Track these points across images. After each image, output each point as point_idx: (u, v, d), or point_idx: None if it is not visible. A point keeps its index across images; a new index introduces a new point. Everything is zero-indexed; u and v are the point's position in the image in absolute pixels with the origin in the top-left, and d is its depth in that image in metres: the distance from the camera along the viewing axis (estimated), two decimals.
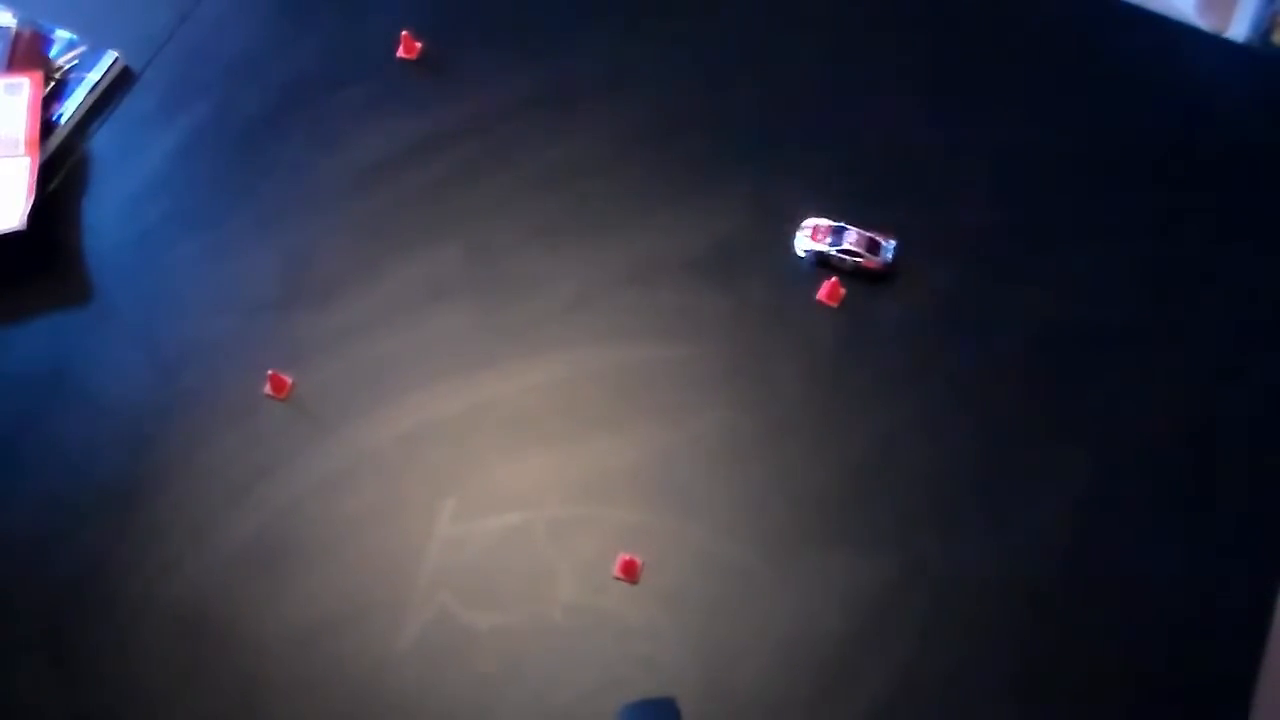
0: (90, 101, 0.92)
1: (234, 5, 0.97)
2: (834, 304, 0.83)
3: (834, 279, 0.83)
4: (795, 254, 0.84)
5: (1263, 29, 1.23)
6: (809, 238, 0.84)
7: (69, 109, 0.91)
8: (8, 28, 0.94)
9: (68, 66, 0.93)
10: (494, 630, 0.72)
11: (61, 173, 0.89)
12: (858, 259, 0.83)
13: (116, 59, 0.94)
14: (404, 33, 0.93)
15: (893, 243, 0.84)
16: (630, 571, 0.74)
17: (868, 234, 0.83)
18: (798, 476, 0.77)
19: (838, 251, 0.83)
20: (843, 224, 0.84)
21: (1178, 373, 0.81)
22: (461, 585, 0.74)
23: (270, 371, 0.79)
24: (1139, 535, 0.75)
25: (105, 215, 0.88)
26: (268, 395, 0.80)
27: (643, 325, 0.83)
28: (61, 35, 0.94)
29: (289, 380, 0.80)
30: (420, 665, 0.71)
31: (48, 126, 0.90)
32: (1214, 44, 1.00)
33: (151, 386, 0.81)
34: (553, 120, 0.91)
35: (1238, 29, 1.24)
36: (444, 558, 0.75)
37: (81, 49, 0.94)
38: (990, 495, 0.77)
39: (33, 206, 0.84)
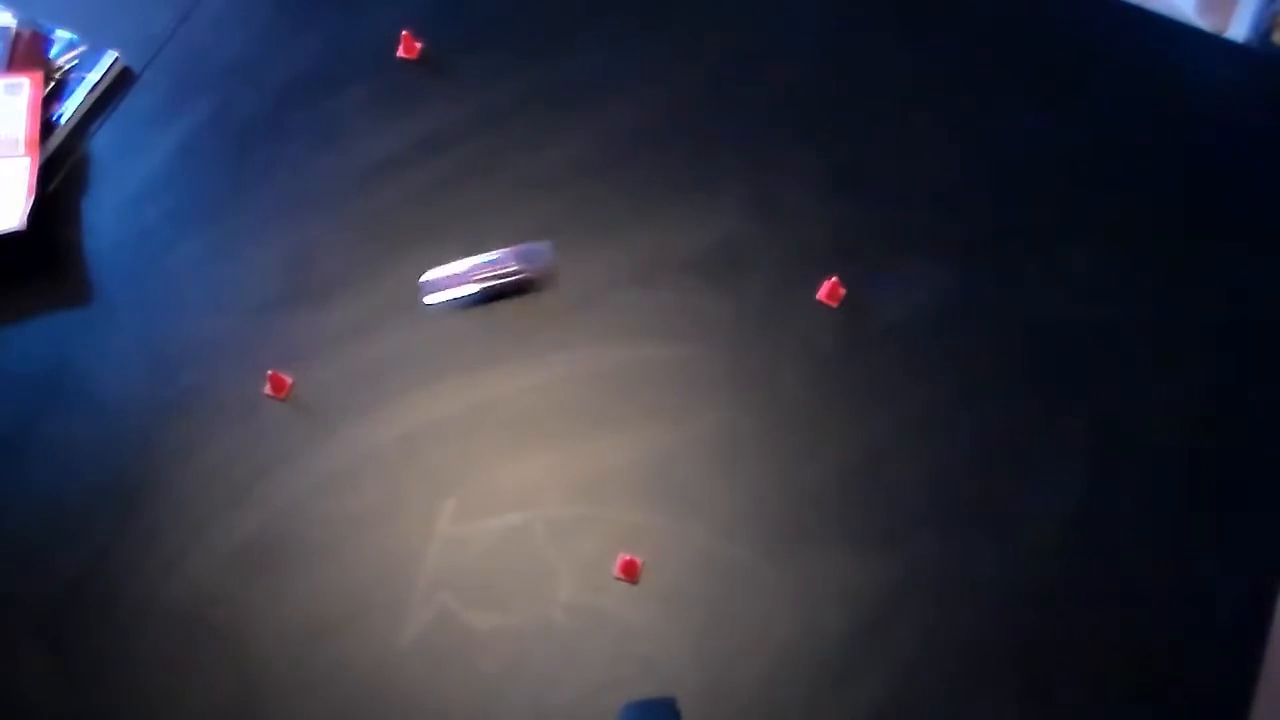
0: (90, 101, 0.92)
1: (234, 5, 0.97)
2: (834, 304, 0.83)
3: (834, 278, 0.83)
4: (428, 309, 0.80)
5: (1263, 29, 1.23)
6: (447, 286, 0.79)
7: (69, 109, 0.91)
8: (8, 28, 0.94)
9: (68, 66, 0.93)
10: (494, 630, 0.72)
11: (61, 173, 0.89)
12: (511, 277, 0.79)
13: (116, 59, 0.94)
14: (404, 33, 0.93)
15: (543, 244, 0.80)
16: (630, 571, 0.74)
17: (507, 250, 0.79)
18: (798, 477, 0.77)
19: (491, 281, 0.79)
20: (476, 258, 0.80)
21: (1177, 373, 0.81)
22: (461, 585, 0.74)
23: (270, 371, 0.79)
24: (1139, 536, 0.75)
25: (105, 215, 0.88)
26: (268, 395, 0.80)
27: (643, 325, 0.83)
28: (61, 35, 0.94)
29: (289, 380, 0.80)
30: (420, 665, 0.71)
31: (48, 126, 0.90)
32: (1214, 44, 1.00)
33: (151, 386, 0.81)
34: (553, 120, 0.91)
35: (1238, 29, 1.24)
36: (444, 558, 0.75)
37: (81, 49, 0.94)
38: (990, 495, 0.77)
39: (33, 206, 0.84)
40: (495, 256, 0.78)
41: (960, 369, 0.81)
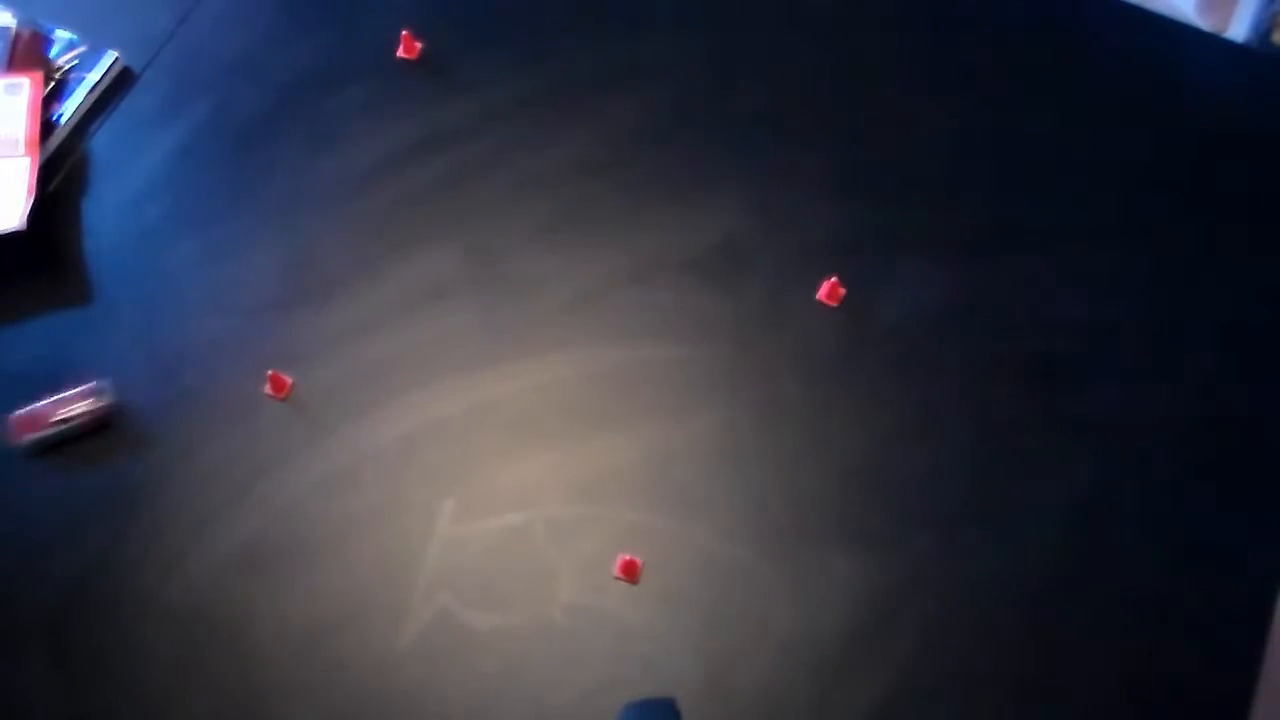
0: (90, 101, 0.92)
1: (234, 5, 0.97)
2: (834, 304, 0.83)
3: (834, 279, 0.83)
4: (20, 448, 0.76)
5: (1263, 29, 1.23)
6: (14, 433, 0.75)
7: (69, 109, 0.91)
8: (8, 28, 0.94)
9: (68, 66, 0.93)
10: (494, 630, 0.72)
11: (61, 173, 0.89)
12: (76, 419, 0.76)
13: (116, 59, 0.94)
14: (404, 33, 0.93)
15: (95, 384, 0.77)
16: (630, 571, 0.74)
17: (63, 395, 0.76)
18: (798, 476, 0.77)
19: (55, 429, 0.75)
20: (32, 404, 0.77)
21: (1178, 373, 0.81)
22: (461, 585, 0.74)
23: (270, 371, 0.79)
24: (1139, 536, 0.75)
25: (105, 215, 0.88)
26: (268, 395, 0.80)
27: (643, 325, 0.83)
28: (61, 35, 0.94)
29: (289, 380, 0.80)
30: (420, 665, 0.71)
31: (48, 126, 0.90)
32: (1214, 44, 1.00)
33: (151, 386, 0.81)
34: (553, 120, 0.91)
35: (1238, 29, 1.24)
36: (444, 558, 0.75)
37: (81, 49, 0.94)
38: (990, 495, 0.77)
39: (33, 206, 0.84)
40: (51, 404, 0.75)
41: (960, 369, 0.81)
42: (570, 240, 0.86)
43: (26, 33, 0.94)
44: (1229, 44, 1.08)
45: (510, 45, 0.94)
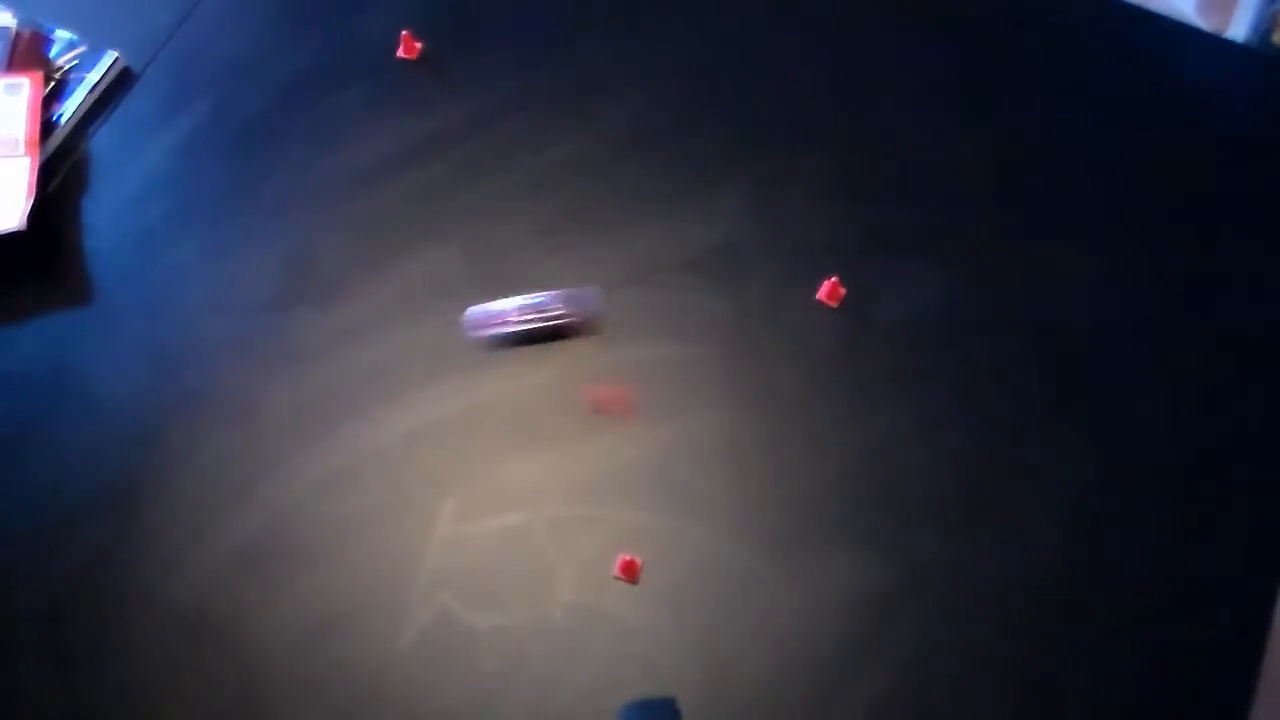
0: (90, 101, 0.92)
1: (234, 5, 0.97)
2: (834, 304, 0.83)
3: (834, 279, 0.83)
4: (471, 342, 0.78)
5: (1263, 29, 1.23)
6: (491, 324, 0.77)
7: (69, 109, 0.91)
8: (8, 28, 0.94)
9: (68, 66, 0.93)
10: (494, 630, 0.72)
11: (61, 173, 0.89)
12: (555, 320, 0.77)
13: (116, 59, 0.94)
14: (404, 33, 0.93)
15: (591, 290, 0.78)
16: (630, 571, 0.74)
17: (555, 293, 0.78)
18: (798, 476, 0.77)
19: (535, 323, 0.77)
20: (523, 297, 0.78)
21: (1178, 373, 0.81)
22: (461, 585, 0.74)
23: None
24: (1139, 535, 0.75)
25: (105, 215, 0.88)
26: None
27: (643, 325, 0.83)
28: (61, 35, 0.94)
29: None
30: (420, 665, 0.71)
31: (48, 126, 0.90)
32: (1214, 44, 1.00)
33: (151, 386, 0.81)
34: (553, 120, 0.91)
35: (1238, 29, 1.25)
36: (444, 558, 0.75)
37: (81, 49, 0.94)
38: (990, 495, 0.77)
39: (33, 206, 0.84)
40: (542, 298, 0.77)
41: (960, 369, 0.81)
42: (570, 240, 0.86)
43: (26, 33, 0.94)
44: (1229, 44, 1.08)
45: (510, 45, 0.94)
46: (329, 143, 0.90)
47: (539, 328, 0.77)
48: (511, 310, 0.76)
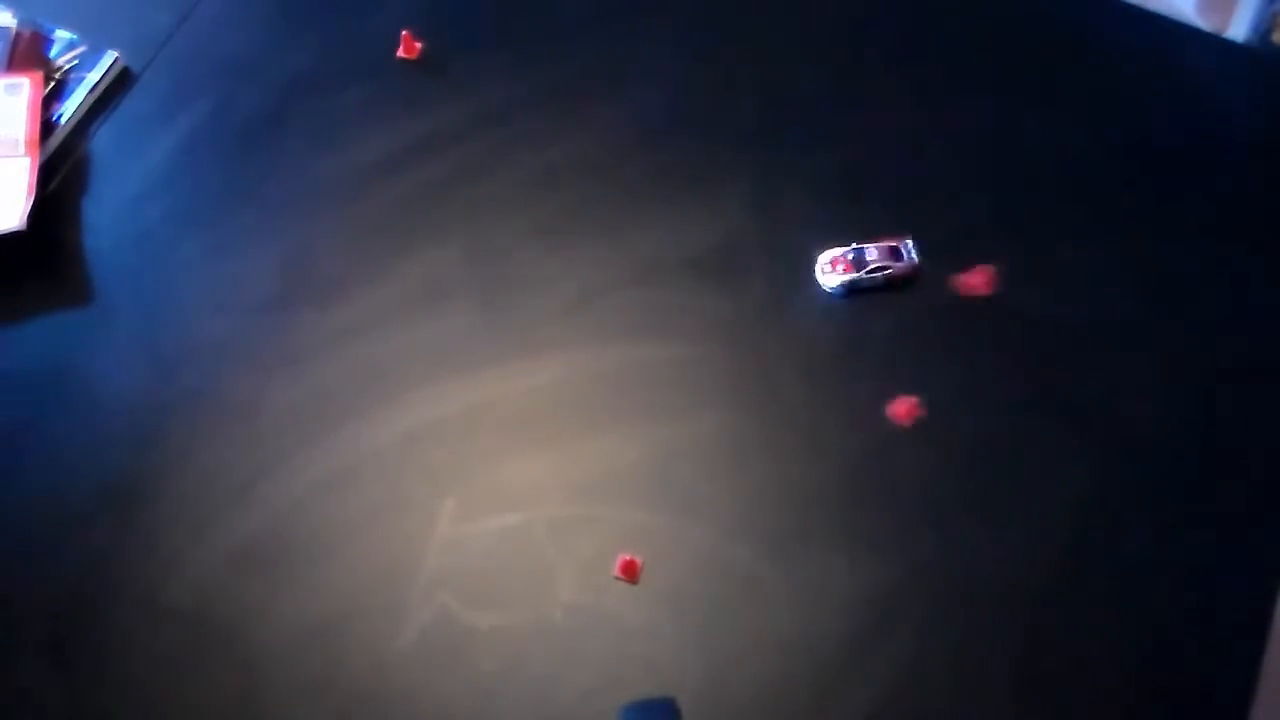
0: (90, 101, 0.92)
1: (234, 5, 0.97)
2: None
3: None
4: (822, 290, 0.83)
5: (1263, 29, 1.23)
6: (832, 271, 0.82)
7: (69, 109, 0.91)
8: (8, 28, 0.94)
9: (68, 66, 0.93)
10: (494, 630, 0.72)
11: (61, 173, 0.89)
12: (887, 271, 0.82)
13: (116, 59, 0.94)
14: (404, 33, 0.93)
15: (909, 241, 0.83)
16: (630, 571, 0.74)
17: (884, 243, 0.83)
18: (798, 476, 0.77)
19: (867, 274, 0.82)
20: (855, 245, 0.83)
21: (1178, 372, 0.81)
22: (461, 585, 0.74)
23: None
24: (1139, 535, 0.75)
25: (105, 215, 0.88)
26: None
27: (643, 325, 0.83)
28: (61, 35, 0.94)
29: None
30: (420, 665, 0.71)
31: (48, 126, 0.90)
32: (1214, 44, 1.00)
33: (151, 386, 0.81)
34: (553, 120, 0.91)
35: (1238, 29, 1.24)
36: (444, 558, 0.75)
37: (81, 49, 0.94)
38: (990, 495, 0.77)
39: (33, 206, 0.84)
40: (874, 252, 0.82)
41: (961, 369, 0.81)
42: (570, 240, 0.86)
43: (26, 33, 0.94)
44: (1229, 44, 1.07)
45: (510, 46, 0.94)
46: (329, 143, 0.90)
47: (878, 278, 0.82)
48: (862, 255, 0.82)
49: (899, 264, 0.82)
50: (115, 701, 0.71)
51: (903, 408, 0.78)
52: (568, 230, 0.86)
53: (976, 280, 0.83)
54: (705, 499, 0.76)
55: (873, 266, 0.82)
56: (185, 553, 0.75)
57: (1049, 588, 0.74)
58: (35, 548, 0.75)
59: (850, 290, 0.83)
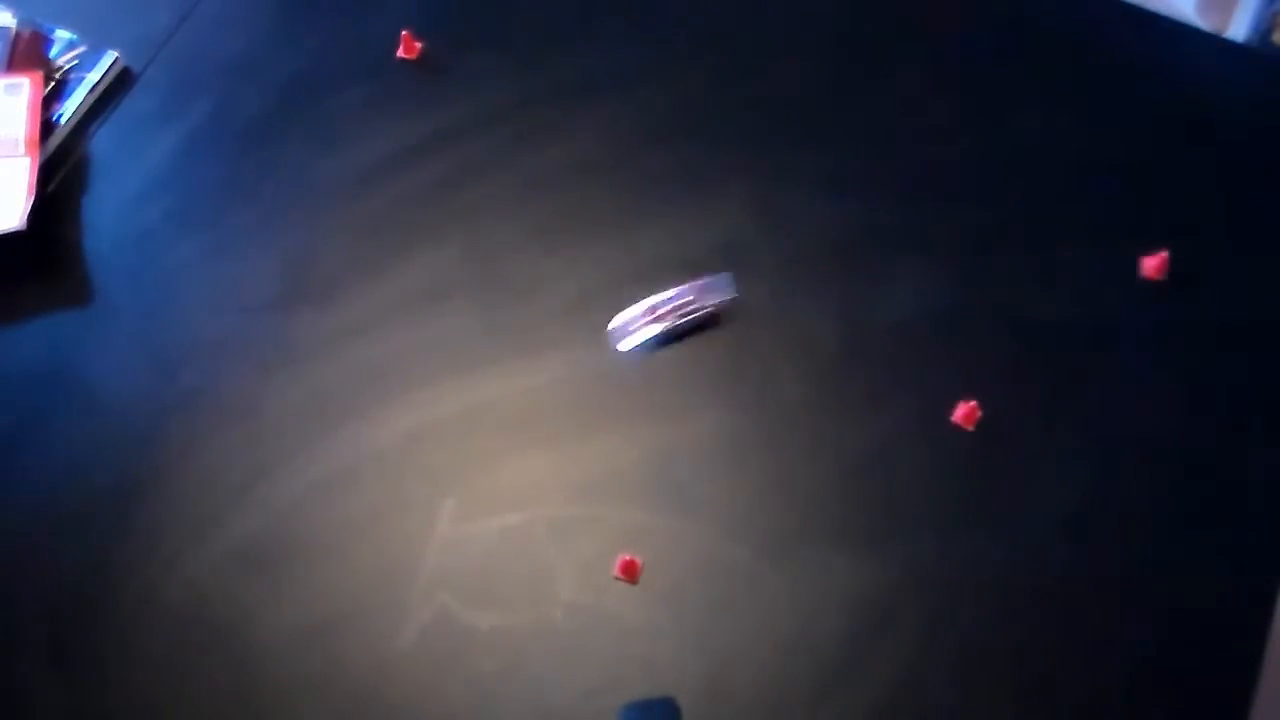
0: (90, 101, 0.92)
1: (234, 5, 0.97)
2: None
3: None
4: (622, 356, 0.77)
5: (1263, 29, 1.23)
6: (635, 330, 0.76)
7: (69, 109, 0.91)
8: (8, 28, 0.94)
9: (68, 66, 0.93)
10: (494, 630, 0.72)
11: (61, 173, 0.89)
12: (698, 311, 0.76)
13: (116, 59, 0.94)
14: (404, 33, 0.93)
15: (722, 276, 0.77)
16: (630, 571, 0.74)
17: (686, 286, 0.76)
18: (798, 476, 0.77)
19: (676, 319, 0.76)
20: (657, 296, 0.77)
21: (1178, 372, 0.81)
22: (461, 585, 0.74)
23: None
24: (1139, 535, 0.75)
25: (105, 215, 0.88)
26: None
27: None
28: (61, 35, 0.94)
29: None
30: (420, 665, 0.71)
31: (48, 126, 0.90)
32: (1214, 44, 1.00)
33: (151, 386, 0.81)
34: (553, 120, 0.91)
35: (1238, 29, 1.24)
36: (444, 558, 0.75)
37: (81, 49, 0.94)
38: (990, 495, 0.77)
39: (33, 206, 0.84)
40: (674, 293, 0.77)
41: (960, 369, 0.81)
42: (570, 240, 0.86)
43: (26, 33, 0.94)
44: (1229, 44, 1.07)
45: (510, 45, 0.94)
46: (329, 143, 0.90)
47: (681, 324, 0.77)
48: (651, 310, 0.76)
49: (711, 299, 0.77)
50: (115, 701, 0.71)
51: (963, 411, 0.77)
52: (568, 230, 0.86)
53: None
54: (705, 499, 0.76)
55: (683, 311, 0.76)
56: (185, 553, 0.75)
57: (1049, 588, 0.74)
58: (35, 548, 0.75)
59: (662, 343, 0.77)
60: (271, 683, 0.71)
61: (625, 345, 0.75)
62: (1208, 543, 0.75)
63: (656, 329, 0.76)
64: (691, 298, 0.76)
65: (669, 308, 0.76)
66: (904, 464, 0.77)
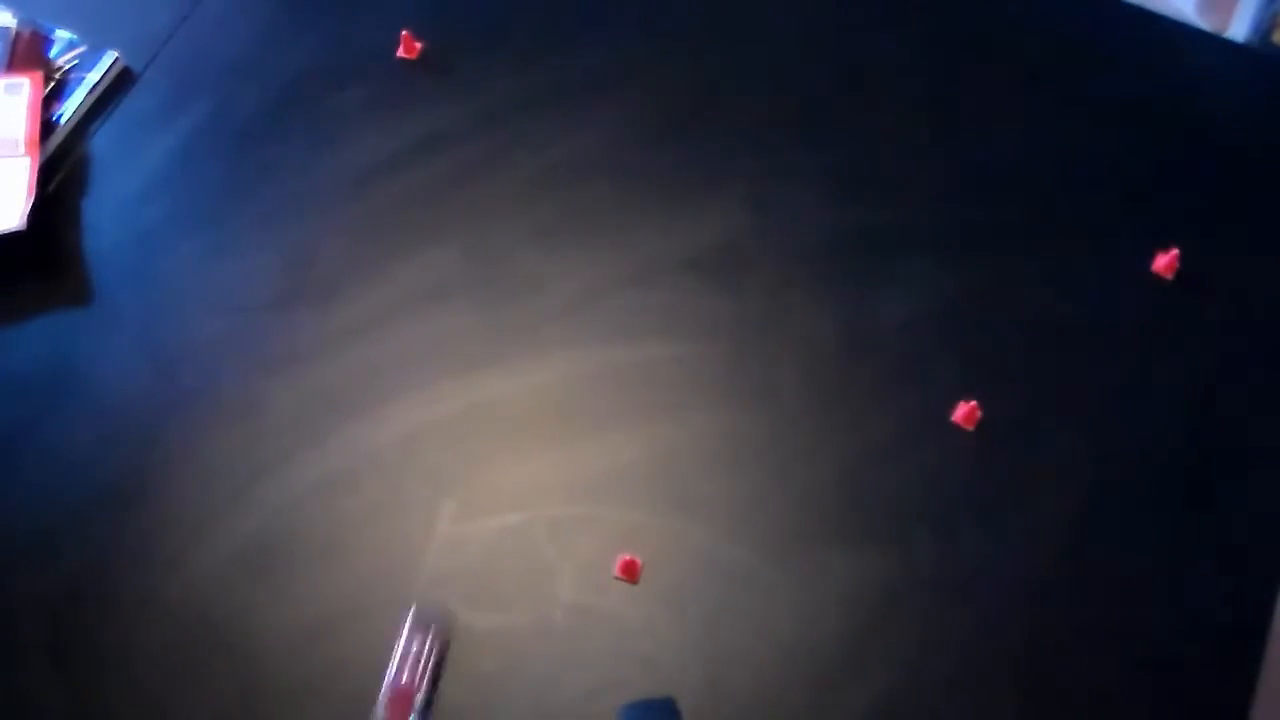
0: (90, 101, 0.92)
1: (234, 5, 0.97)
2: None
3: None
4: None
5: (1263, 29, 1.23)
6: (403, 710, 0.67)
7: (69, 109, 0.91)
8: (8, 28, 0.94)
9: (68, 66, 0.93)
10: (494, 630, 0.72)
11: (61, 173, 0.89)
12: (434, 660, 0.69)
13: (116, 59, 0.94)
14: (404, 33, 0.93)
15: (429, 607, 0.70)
16: (630, 571, 0.74)
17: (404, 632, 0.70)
18: (798, 476, 0.77)
19: (422, 681, 0.68)
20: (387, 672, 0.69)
21: (1177, 372, 0.81)
22: (461, 585, 0.74)
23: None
24: (1139, 535, 0.75)
25: (105, 215, 0.88)
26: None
27: (643, 325, 0.83)
28: (61, 35, 0.94)
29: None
30: None
31: (48, 126, 0.90)
32: (1214, 44, 1.00)
33: (151, 386, 0.81)
34: (553, 120, 0.91)
35: (1238, 29, 1.25)
36: (444, 558, 0.75)
37: (81, 49, 0.94)
38: (990, 495, 0.77)
39: (33, 206, 0.84)
40: (401, 646, 0.69)
41: (961, 369, 0.81)
42: (570, 240, 0.86)
43: (26, 33, 0.94)
44: (1229, 44, 1.07)
45: (510, 45, 0.94)
46: (329, 143, 0.90)
47: (435, 679, 0.69)
48: (400, 676, 0.68)
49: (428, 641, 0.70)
50: (116, 701, 0.70)
51: (963, 410, 0.77)
52: (568, 230, 0.86)
53: None
54: (705, 499, 0.76)
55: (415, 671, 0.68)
56: (185, 553, 0.75)
57: (1049, 588, 0.74)
58: (35, 548, 0.75)
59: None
60: (272, 682, 0.71)
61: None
62: (1208, 543, 0.75)
63: (420, 697, 0.68)
64: (415, 647, 0.69)
65: (412, 665, 0.68)
66: (904, 464, 0.77)
